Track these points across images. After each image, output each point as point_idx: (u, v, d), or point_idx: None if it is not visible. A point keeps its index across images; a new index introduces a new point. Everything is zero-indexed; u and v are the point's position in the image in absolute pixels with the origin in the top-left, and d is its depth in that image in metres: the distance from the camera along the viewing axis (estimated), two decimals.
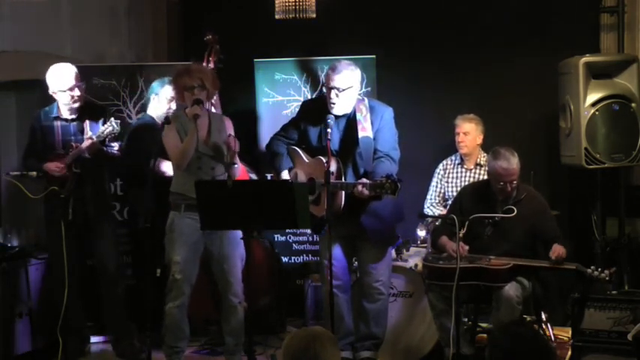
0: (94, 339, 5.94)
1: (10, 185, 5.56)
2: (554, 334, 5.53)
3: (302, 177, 5.13)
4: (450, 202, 5.92)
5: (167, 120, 4.92)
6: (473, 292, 5.02)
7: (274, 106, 6.38)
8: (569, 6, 6.32)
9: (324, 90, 5.11)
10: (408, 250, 5.72)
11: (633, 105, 5.67)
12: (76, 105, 5.40)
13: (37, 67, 5.69)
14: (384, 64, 6.23)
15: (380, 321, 5.22)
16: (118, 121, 5.28)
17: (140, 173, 5.54)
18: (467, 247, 4.95)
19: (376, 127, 5.04)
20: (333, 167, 4.94)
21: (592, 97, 5.65)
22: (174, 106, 5.66)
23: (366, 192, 4.76)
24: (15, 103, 6.14)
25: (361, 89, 5.31)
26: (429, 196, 6.18)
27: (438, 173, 6.18)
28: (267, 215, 4.49)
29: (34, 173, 5.36)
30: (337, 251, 5.14)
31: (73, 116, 5.43)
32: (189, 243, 4.99)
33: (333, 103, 5.02)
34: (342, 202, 4.94)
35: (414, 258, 5.65)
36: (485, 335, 5.44)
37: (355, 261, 5.33)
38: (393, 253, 5.50)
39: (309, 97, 6.25)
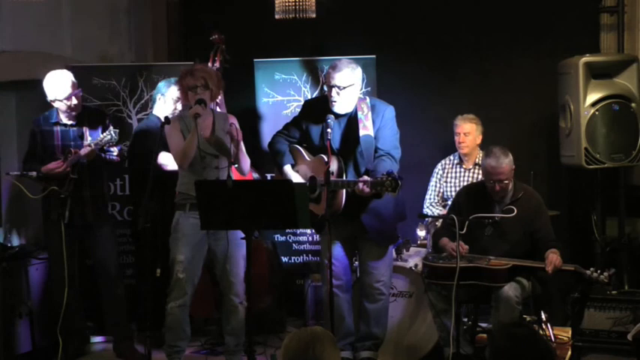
0: (94, 339, 5.94)
1: (10, 185, 5.56)
2: (554, 334, 5.53)
3: (303, 176, 5.12)
4: (448, 201, 5.93)
5: (167, 120, 4.93)
6: (472, 291, 5.02)
7: (274, 106, 6.38)
8: (569, 6, 6.33)
9: (325, 89, 5.11)
10: (408, 250, 5.72)
11: (633, 105, 5.67)
12: (74, 113, 5.40)
13: (37, 67, 5.69)
14: (384, 64, 6.23)
15: (380, 321, 5.22)
16: (117, 130, 5.28)
17: (146, 174, 5.54)
18: (467, 247, 4.95)
19: (377, 125, 5.04)
20: (334, 166, 4.94)
21: (592, 97, 5.65)
22: (179, 107, 5.67)
23: (366, 189, 4.76)
24: (15, 103, 6.13)
25: (362, 89, 5.31)
26: (428, 196, 6.19)
27: (437, 173, 6.19)
28: (268, 215, 4.49)
29: (34, 173, 5.36)
30: (338, 251, 5.14)
31: (73, 122, 5.44)
32: (192, 243, 5.00)
33: (335, 102, 5.02)
34: (343, 201, 4.94)
35: (414, 258, 5.65)
36: (485, 335, 5.44)
37: (356, 261, 5.33)
38: (393, 253, 5.51)
39: (309, 97, 6.25)
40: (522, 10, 6.38)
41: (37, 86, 5.60)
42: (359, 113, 5.05)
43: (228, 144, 4.96)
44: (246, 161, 5.05)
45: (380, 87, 6.16)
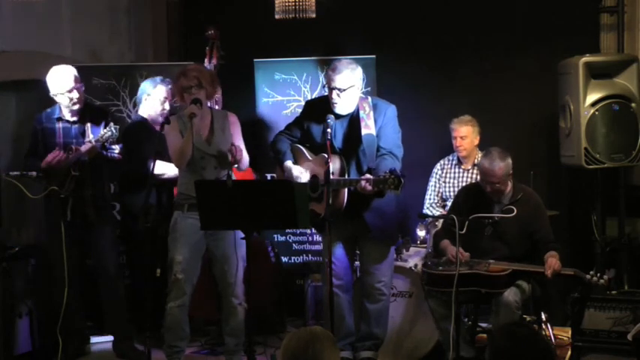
0: (94, 339, 5.94)
1: (10, 185, 5.55)
2: (554, 334, 5.53)
3: (305, 174, 5.12)
4: (447, 202, 5.93)
5: (167, 120, 4.93)
6: (472, 296, 5.02)
7: (274, 106, 6.38)
8: (569, 6, 6.32)
9: (326, 90, 5.11)
10: (407, 250, 5.72)
11: (633, 105, 5.66)
12: (76, 107, 5.39)
13: (37, 67, 5.69)
14: (384, 64, 6.24)
15: (381, 321, 5.21)
16: (117, 127, 5.28)
17: (134, 175, 5.55)
18: (467, 254, 4.94)
19: (379, 124, 5.04)
20: (336, 165, 4.94)
21: (592, 97, 5.65)
22: (167, 106, 5.68)
23: (369, 187, 4.75)
24: (15, 103, 6.13)
25: (361, 89, 5.30)
26: (427, 197, 6.19)
27: (436, 173, 6.19)
28: (267, 215, 4.49)
29: (34, 173, 5.36)
30: (339, 251, 5.14)
31: (75, 118, 5.43)
32: (191, 243, 5.00)
33: (335, 103, 5.02)
34: (345, 200, 4.94)
35: (414, 258, 5.65)
36: (485, 335, 5.43)
37: (356, 261, 5.33)
38: (394, 253, 5.51)
39: (309, 97, 6.25)
40: (522, 10, 6.38)
41: (37, 86, 5.60)
42: (361, 112, 5.05)
43: (228, 143, 4.96)
44: (244, 160, 5.05)
45: (380, 87, 6.16)
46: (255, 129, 6.34)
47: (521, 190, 5.12)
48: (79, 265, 5.58)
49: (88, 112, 5.50)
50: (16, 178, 5.45)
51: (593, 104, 5.64)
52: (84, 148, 5.28)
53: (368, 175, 4.81)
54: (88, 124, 5.42)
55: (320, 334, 2.90)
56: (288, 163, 5.13)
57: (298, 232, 6.33)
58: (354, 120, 5.06)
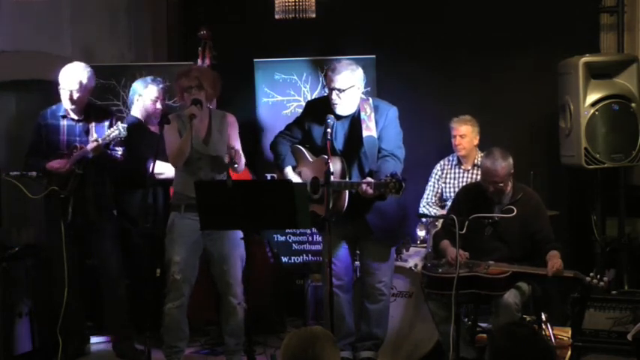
0: (94, 339, 5.94)
1: (10, 185, 5.55)
2: (554, 334, 5.53)
3: (306, 176, 5.12)
4: (448, 202, 5.93)
5: (167, 120, 4.93)
6: (472, 298, 5.02)
7: (274, 106, 6.38)
8: (569, 6, 6.32)
9: (326, 91, 5.11)
10: (407, 250, 5.72)
11: (633, 105, 5.67)
12: (73, 106, 5.39)
13: (37, 67, 5.69)
14: (383, 65, 6.23)
15: (381, 321, 5.21)
16: (125, 126, 5.26)
17: (131, 175, 5.55)
18: (466, 254, 4.94)
19: (380, 126, 5.04)
20: (337, 167, 4.93)
21: (592, 97, 5.65)
22: (159, 105, 5.71)
23: (370, 191, 4.75)
24: (15, 103, 6.13)
25: (362, 88, 5.29)
26: (425, 196, 6.19)
27: (436, 174, 6.19)
28: (267, 215, 4.49)
29: (34, 173, 5.36)
30: (340, 251, 5.14)
31: (79, 117, 5.43)
32: (188, 243, 5.00)
33: (336, 104, 5.02)
34: (346, 202, 4.94)
35: (414, 258, 5.65)
36: (485, 335, 5.43)
37: (357, 260, 5.33)
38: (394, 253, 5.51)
39: (309, 97, 6.25)
40: (522, 10, 6.38)
41: (37, 86, 5.60)
42: (362, 114, 5.04)
43: (225, 144, 4.96)
44: (241, 161, 5.05)
45: (380, 87, 6.16)
46: (255, 129, 6.34)
47: (521, 190, 5.12)
48: (79, 265, 5.57)
49: (93, 112, 5.50)
50: (16, 178, 5.44)
51: (593, 104, 5.64)
52: (90, 146, 5.27)
53: (369, 179, 4.80)
54: (93, 123, 5.42)
55: (320, 334, 2.90)
56: (288, 170, 5.13)
57: (298, 232, 6.33)
58: (355, 121, 5.06)
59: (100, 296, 5.60)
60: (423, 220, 5.93)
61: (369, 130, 5.00)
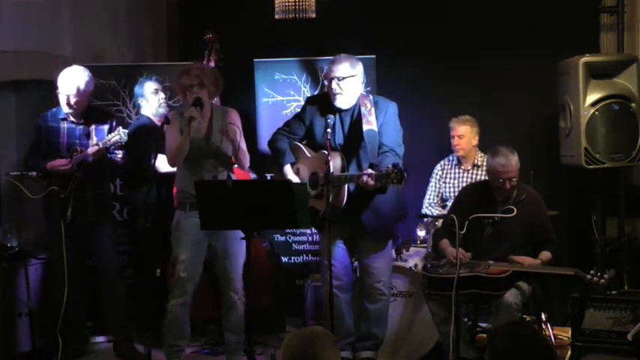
0: (94, 339, 5.94)
1: (10, 185, 5.56)
2: (554, 334, 5.53)
3: (305, 172, 5.12)
4: (448, 202, 5.93)
5: (167, 120, 4.94)
6: (473, 297, 5.02)
7: (274, 106, 6.38)
8: (569, 6, 6.32)
9: (326, 84, 5.11)
10: (407, 250, 5.72)
11: (633, 105, 5.67)
12: (71, 111, 5.38)
13: (37, 67, 5.69)
14: (383, 65, 6.23)
15: (381, 321, 5.21)
16: (125, 131, 5.28)
17: (139, 174, 5.56)
18: (468, 254, 4.94)
19: (380, 121, 5.04)
20: (336, 162, 4.93)
21: (592, 97, 5.65)
22: (162, 96, 5.78)
23: (371, 182, 4.73)
24: (15, 103, 6.13)
25: (363, 82, 5.28)
26: (427, 197, 6.19)
27: (436, 174, 6.19)
28: (267, 215, 4.49)
29: (34, 173, 5.36)
30: (338, 251, 5.14)
31: (79, 120, 5.43)
32: (193, 242, 5.01)
33: (336, 94, 5.01)
34: (345, 198, 4.94)
35: (414, 258, 5.65)
36: (485, 335, 5.43)
37: (355, 261, 5.33)
38: (393, 253, 5.51)
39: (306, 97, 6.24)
40: (522, 10, 6.38)
41: (37, 86, 5.59)
42: (362, 109, 5.04)
43: (227, 141, 4.96)
44: (245, 158, 5.04)
45: (380, 87, 6.15)
46: (255, 129, 6.34)
47: (524, 191, 5.12)
48: (79, 265, 5.58)
49: (93, 114, 5.50)
50: (16, 178, 5.45)
51: (593, 104, 5.64)
52: (91, 150, 5.28)
53: (370, 170, 4.79)
54: (93, 126, 5.43)
55: (320, 334, 2.90)
56: (287, 168, 5.13)
57: (298, 232, 6.33)
58: (355, 116, 5.06)
59: (99, 296, 5.60)
60: (424, 220, 5.93)
61: (370, 124, 5.00)
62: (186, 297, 5.03)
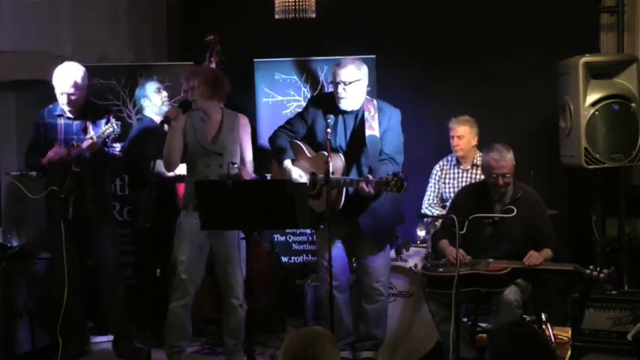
0: (94, 339, 5.94)
1: (10, 185, 5.56)
2: (554, 334, 5.53)
3: (304, 177, 5.12)
4: (447, 202, 5.93)
5: (167, 120, 4.95)
6: (473, 296, 5.02)
7: (274, 106, 6.38)
8: (569, 6, 6.32)
9: (331, 88, 5.11)
10: (407, 250, 5.72)
11: (633, 105, 5.67)
12: (70, 108, 5.38)
13: (37, 67, 5.69)
14: (383, 65, 6.23)
15: (380, 321, 5.21)
16: (119, 123, 5.29)
17: (142, 175, 5.56)
18: (468, 258, 4.94)
19: (383, 127, 5.04)
20: (337, 164, 4.93)
21: (592, 97, 5.65)
22: (165, 94, 5.80)
23: (368, 189, 4.74)
24: (15, 103, 6.13)
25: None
26: (426, 197, 6.19)
27: (435, 174, 6.19)
28: (267, 215, 4.49)
29: (34, 173, 5.36)
30: (336, 250, 5.13)
31: (76, 115, 5.43)
32: (194, 243, 5.01)
33: (341, 98, 5.01)
34: (342, 200, 4.94)
35: (414, 258, 5.64)
36: (485, 335, 5.43)
37: (354, 261, 5.33)
38: (393, 253, 5.50)
39: (309, 97, 6.24)
40: (522, 10, 6.38)
41: (37, 86, 5.59)
42: (366, 113, 5.05)
43: (236, 144, 4.97)
44: (247, 170, 5.07)
45: (380, 87, 6.15)
46: (255, 129, 6.34)
47: (521, 189, 5.13)
48: (79, 265, 5.57)
49: (90, 109, 5.50)
50: (16, 178, 5.45)
51: (593, 104, 5.64)
52: (85, 144, 5.27)
53: (370, 177, 4.79)
54: (89, 121, 5.43)
55: (320, 334, 2.90)
56: (288, 163, 5.12)
57: (298, 232, 6.33)
58: (359, 120, 5.06)
59: (99, 296, 5.60)
60: (424, 220, 5.92)
61: (372, 129, 5.01)
62: (187, 298, 5.03)
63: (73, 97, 5.33)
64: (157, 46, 7.05)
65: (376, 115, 5.05)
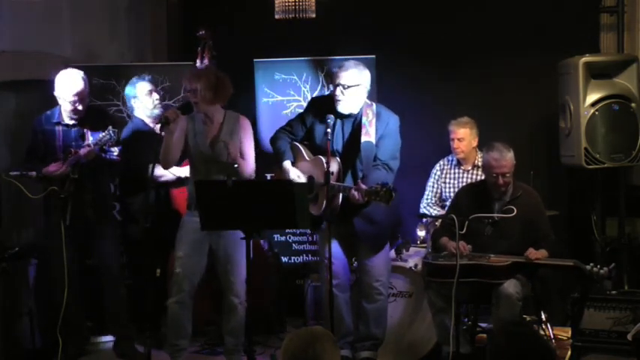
0: (94, 339, 5.93)
1: (10, 185, 5.55)
2: (554, 334, 5.53)
3: (302, 178, 5.11)
4: (447, 202, 5.92)
5: (166, 120, 4.95)
6: (473, 289, 5.01)
7: (274, 106, 6.38)
8: (569, 6, 6.33)
9: (332, 88, 5.11)
10: (407, 250, 5.72)
11: (633, 105, 5.67)
12: (75, 115, 5.39)
13: (37, 67, 5.69)
14: (383, 65, 6.23)
15: (380, 321, 5.21)
16: (116, 130, 5.29)
17: (136, 177, 5.56)
18: (469, 247, 4.95)
19: (380, 133, 5.03)
20: (334, 168, 4.93)
21: (592, 97, 5.65)
22: (156, 96, 5.75)
23: (358, 197, 4.76)
24: (15, 103, 6.13)
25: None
26: (425, 196, 6.18)
27: (435, 174, 6.19)
28: (267, 215, 4.49)
29: (34, 173, 5.35)
30: (336, 250, 5.13)
31: (74, 122, 5.43)
32: (192, 240, 5.02)
33: (339, 100, 5.01)
34: (339, 202, 4.94)
35: (414, 258, 5.65)
36: (484, 335, 5.43)
37: (355, 261, 5.33)
38: (393, 253, 5.50)
39: (309, 97, 6.25)
40: (522, 10, 6.38)
41: (37, 86, 5.59)
42: (364, 118, 5.03)
43: (236, 148, 4.98)
44: (247, 166, 5.06)
45: (380, 87, 6.15)
46: (255, 129, 6.33)
47: (520, 189, 5.14)
48: (79, 265, 5.57)
49: (89, 116, 5.48)
50: (15, 178, 5.45)
51: (593, 104, 5.64)
52: (82, 151, 5.27)
53: (363, 186, 4.78)
54: (87, 129, 5.42)
55: (320, 334, 2.90)
56: (287, 164, 5.12)
57: (298, 232, 6.33)
58: (356, 125, 5.05)
59: (100, 296, 5.60)
60: (423, 220, 5.92)
61: (368, 135, 5.00)
62: (182, 295, 5.02)
63: (78, 107, 5.33)
64: (157, 46, 7.05)
65: (374, 121, 5.03)
